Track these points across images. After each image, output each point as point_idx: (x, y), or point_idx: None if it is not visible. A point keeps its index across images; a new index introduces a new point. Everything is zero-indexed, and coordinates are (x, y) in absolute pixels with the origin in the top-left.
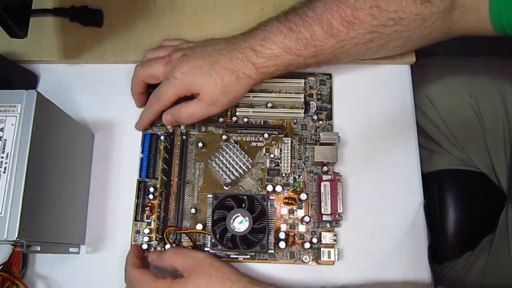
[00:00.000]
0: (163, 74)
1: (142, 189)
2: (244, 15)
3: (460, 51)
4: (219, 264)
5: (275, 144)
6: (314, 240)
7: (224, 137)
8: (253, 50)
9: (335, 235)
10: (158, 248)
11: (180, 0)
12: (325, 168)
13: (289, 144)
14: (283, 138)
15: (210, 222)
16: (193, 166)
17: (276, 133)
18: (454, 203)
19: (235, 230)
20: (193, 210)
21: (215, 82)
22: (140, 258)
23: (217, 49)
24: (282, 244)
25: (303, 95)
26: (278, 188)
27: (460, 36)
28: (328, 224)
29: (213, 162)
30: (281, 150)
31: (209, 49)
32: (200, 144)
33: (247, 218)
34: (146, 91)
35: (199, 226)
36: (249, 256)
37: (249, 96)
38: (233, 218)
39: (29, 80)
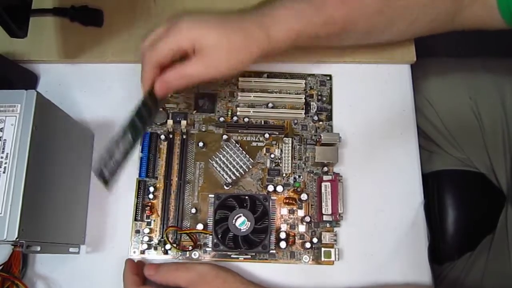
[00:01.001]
0: None
1: (142, 188)
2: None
3: (459, 51)
4: (224, 274)
5: (276, 144)
6: (314, 240)
7: (224, 136)
8: (264, 14)
9: (335, 235)
10: (159, 248)
11: (180, 0)
12: (325, 169)
13: (290, 145)
14: (284, 138)
15: (211, 222)
16: (194, 166)
17: (277, 133)
18: (453, 204)
19: (237, 230)
20: (193, 210)
21: (221, 40)
22: (138, 275)
23: (225, 15)
24: (282, 244)
25: (304, 95)
26: (279, 188)
27: (467, 28)
28: (328, 224)
29: (213, 162)
30: (281, 150)
31: (216, 14)
32: (200, 144)
33: (249, 218)
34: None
35: (199, 226)
36: (249, 256)
37: (250, 96)
38: (235, 218)
39: (29, 80)
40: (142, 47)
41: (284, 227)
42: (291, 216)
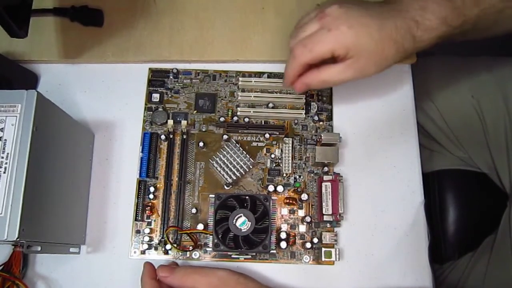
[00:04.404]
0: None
1: (142, 188)
2: (244, 15)
3: (462, 50)
4: (244, 280)
5: (276, 144)
6: (315, 240)
7: (225, 136)
8: (415, 21)
9: (335, 235)
10: (159, 248)
11: (180, 0)
12: (325, 169)
13: (290, 145)
14: (284, 138)
15: (211, 222)
16: (194, 166)
17: (277, 133)
18: (454, 203)
19: (238, 230)
20: (193, 210)
21: (376, 51)
22: (156, 279)
23: (379, 11)
24: (283, 244)
25: (304, 95)
26: (280, 188)
27: None
28: (328, 224)
29: (214, 162)
30: (282, 150)
31: (369, 6)
32: (201, 144)
33: (249, 219)
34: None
35: (200, 226)
36: (250, 256)
37: (250, 96)
38: (235, 218)
39: (29, 80)
40: (293, 41)
41: (284, 227)
42: (292, 216)
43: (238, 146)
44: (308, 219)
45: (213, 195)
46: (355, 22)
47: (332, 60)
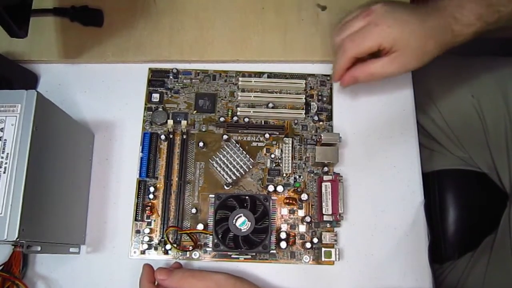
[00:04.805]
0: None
1: (142, 188)
2: (244, 15)
3: (462, 50)
4: (241, 284)
5: (276, 144)
6: (315, 240)
7: (225, 137)
8: (453, 17)
9: (335, 235)
10: (159, 248)
11: (180, 0)
12: (325, 169)
13: (290, 145)
14: (284, 138)
15: (211, 222)
16: (194, 166)
17: (277, 133)
18: (454, 203)
19: (238, 230)
20: (193, 210)
21: (419, 46)
22: (154, 282)
23: (419, 10)
24: (283, 244)
25: (304, 95)
26: (280, 188)
27: None
28: (328, 224)
29: (214, 162)
30: (281, 151)
31: (410, 6)
32: (201, 144)
33: (249, 219)
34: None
35: (200, 226)
36: (250, 256)
37: (250, 96)
38: (235, 218)
39: (29, 80)
40: (339, 37)
41: (284, 227)
42: (292, 216)
43: (238, 146)
44: (308, 219)
45: (213, 195)
46: (400, 19)
47: (374, 55)
